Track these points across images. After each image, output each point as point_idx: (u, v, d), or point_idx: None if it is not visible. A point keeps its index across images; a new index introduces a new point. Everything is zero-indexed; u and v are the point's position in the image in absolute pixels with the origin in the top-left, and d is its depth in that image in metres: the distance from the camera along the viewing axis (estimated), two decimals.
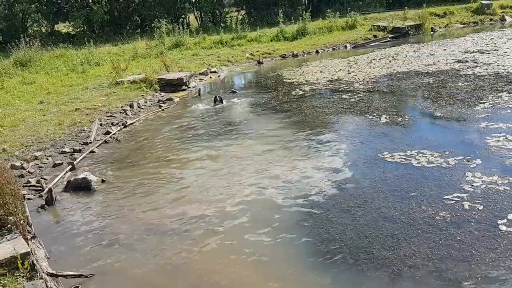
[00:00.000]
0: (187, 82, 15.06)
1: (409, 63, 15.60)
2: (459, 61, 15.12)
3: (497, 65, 13.88)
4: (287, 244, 5.64)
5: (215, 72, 17.46)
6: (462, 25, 24.56)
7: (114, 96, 13.47)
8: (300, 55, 19.76)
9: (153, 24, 25.46)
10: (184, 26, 23.20)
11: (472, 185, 6.55)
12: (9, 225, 5.40)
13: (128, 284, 5.16)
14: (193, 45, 21.32)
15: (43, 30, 25.60)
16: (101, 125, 11.02)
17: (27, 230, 5.61)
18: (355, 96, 12.00)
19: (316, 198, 6.66)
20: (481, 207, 5.96)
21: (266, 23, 25.73)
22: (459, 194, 6.33)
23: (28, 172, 8.30)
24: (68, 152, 9.28)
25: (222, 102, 12.62)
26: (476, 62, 14.65)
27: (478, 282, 4.64)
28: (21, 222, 5.38)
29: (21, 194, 5.77)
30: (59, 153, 9.21)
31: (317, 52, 20.06)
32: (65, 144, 9.65)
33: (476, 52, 16.43)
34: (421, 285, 4.68)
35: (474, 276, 4.72)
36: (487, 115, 9.41)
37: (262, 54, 19.77)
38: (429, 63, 15.35)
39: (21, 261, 4.86)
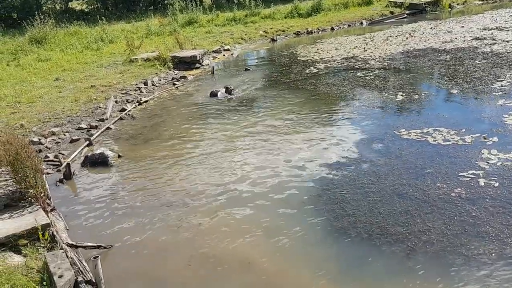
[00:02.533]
0: (201, 60, 15.02)
1: (426, 40, 15.33)
2: (477, 38, 14.82)
3: None
4: (301, 219, 5.69)
5: (228, 50, 17.36)
6: (480, 2, 23.95)
7: (129, 74, 13.52)
8: (314, 32, 19.52)
9: (166, 1, 25.21)
10: (197, 2, 22.99)
11: (488, 163, 6.50)
12: (29, 198, 5.53)
13: (144, 254, 5.27)
14: (206, 22, 21.16)
15: (57, 8, 25.55)
16: (116, 102, 11.10)
17: (47, 203, 5.74)
18: (371, 74, 11.87)
19: (330, 174, 6.68)
20: (496, 184, 5.93)
21: (280, 0, 25.37)
22: (474, 171, 6.30)
23: (46, 147, 8.44)
24: (85, 128, 9.40)
25: (231, 94, 11.42)
26: (495, 39, 14.35)
27: (493, 258, 4.65)
28: (41, 195, 5.50)
29: (41, 168, 5.87)
30: (76, 129, 9.33)
31: (332, 29, 19.79)
32: (81, 120, 9.76)
33: (494, 29, 16.08)
34: (435, 260, 4.71)
35: (488, 252, 4.73)
36: (505, 93, 9.27)
37: (276, 32, 19.57)
38: (446, 40, 15.08)
39: (41, 232, 4.99)
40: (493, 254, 4.70)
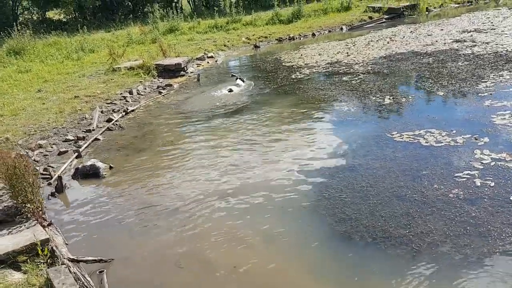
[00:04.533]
0: (185, 68, 14.93)
1: (407, 44, 15.57)
2: (457, 41, 15.12)
3: (496, 44, 13.91)
4: (301, 225, 5.68)
5: (212, 57, 17.30)
6: (456, 5, 24.45)
7: (112, 83, 13.33)
8: (296, 38, 19.63)
9: (145, 9, 25.07)
10: (178, 10, 22.89)
11: (482, 163, 6.61)
12: (26, 213, 5.37)
13: (146, 264, 5.17)
14: (188, 30, 21.07)
15: (34, 18, 25.11)
16: (102, 112, 10.92)
17: (43, 218, 5.58)
18: (356, 78, 11.98)
19: (328, 179, 6.69)
20: (492, 184, 6.03)
21: (260, 6, 25.43)
22: (469, 172, 6.39)
23: (34, 160, 8.23)
24: (72, 139, 9.21)
25: (243, 81, 12.92)
26: (475, 41, 14.66)
27: (497, 257, 4.71)
28: (38, 210, 5.35)
29: (38, 182, 5.72)
30: (63, 141, 9.14)
31: (313, 34, 19.94)
32: (68, 132, 9.57)
33: (473, 31, 16.43)
34: (441, 261, 4.74)
35: (492, 251, 4.79)
36: (490, 94, 9.46)
37: (259, 38, 19.60)
38: (427, 43, 15.33)
39: (41, 248, 4.85)
40: (497, 253, 4.76)
